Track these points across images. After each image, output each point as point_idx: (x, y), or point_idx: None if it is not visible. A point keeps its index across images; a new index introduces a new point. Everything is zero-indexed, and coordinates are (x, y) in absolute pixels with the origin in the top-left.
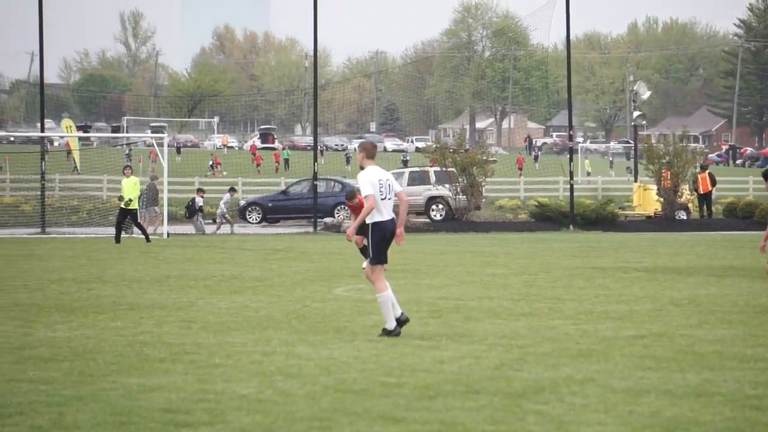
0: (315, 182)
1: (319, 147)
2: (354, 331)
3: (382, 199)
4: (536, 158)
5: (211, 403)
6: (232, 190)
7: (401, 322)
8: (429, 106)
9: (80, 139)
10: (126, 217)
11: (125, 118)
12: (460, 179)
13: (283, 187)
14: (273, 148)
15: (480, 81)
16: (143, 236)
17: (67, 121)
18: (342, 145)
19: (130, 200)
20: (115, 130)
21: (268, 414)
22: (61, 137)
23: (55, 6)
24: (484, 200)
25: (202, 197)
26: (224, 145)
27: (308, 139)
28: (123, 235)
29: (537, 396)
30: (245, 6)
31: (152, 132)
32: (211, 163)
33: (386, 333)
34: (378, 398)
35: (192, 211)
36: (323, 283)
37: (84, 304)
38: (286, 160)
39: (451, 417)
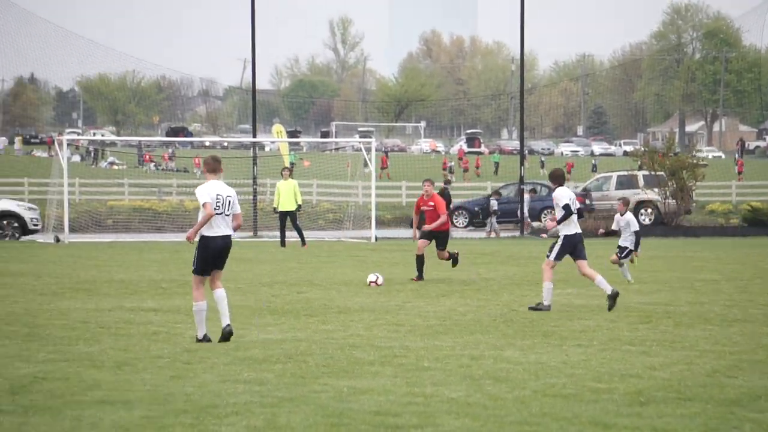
0: (522, 186)
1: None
2: (562, 336)
3: (218, 214)
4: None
5: (420, 406)
6: (497, 194)
7: (225, 333)
8: (637, 109)
9: (290, 144)
10: (286, 220)
11: (334, 123)
12: (669, 183)
13: (489, 192)
14: (479, 152)
15: (689, 84)
16: (299, 239)
17: (277, 127)
18: (548, 149)
19: (299, 206)
20: (325, 135)
21: (477, 417)
22: (272, 142)
23: (266, 15)
24: (694, 204)
25: (497, 200)
26: (432, 150)
27: (515, 143)
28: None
29: (752, 404)
30: (452, 11)
31: (360, 137)
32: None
33: (198, 340)
34: (587, 403)
35: (486, 213)
36: (530, 288)
37: (295, 306)
38: (496, 164)
39: (662, 424)
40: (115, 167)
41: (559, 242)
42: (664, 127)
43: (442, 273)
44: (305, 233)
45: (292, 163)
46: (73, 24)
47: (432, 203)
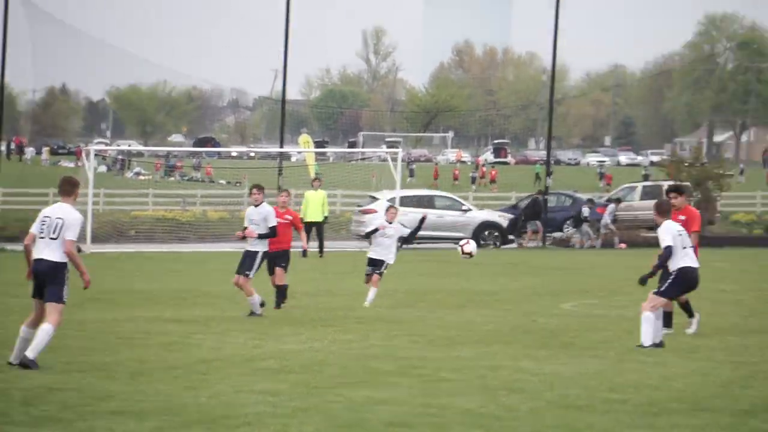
0: (545, 197)
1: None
2: (581, 347)
3: (41, 237)
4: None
5: (435, 417)
6: (617, 201)
7: (23, 362)
8: (666, 120)
9: (317, 154)
10: (312, 230)
11: (361, 133)
12: (694, 193)
13: (513, 202)
14: (505, 162)
15: (720, 94)
16: (318, 250)
17: (304, 137)
18: (575, 159)
19: (326, 218)
20: (352, 145)
21: (489, 428)
22: (299, 152)
23: (298, 24)
24: (718, 215)
25: (590, 208)
26: (458, 160)
27: (541, 153)
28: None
29: (765, 414)
30: (486, 21)
31: (387, 147)
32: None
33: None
34: (601, 414)
35: (578, 221)
36: (551, 298)
37: (314, 316)
38: (537, 174)
39: None
40: (141, 177)
41: (672, 276)
42: (693, 138)
43: (460, 283)
44: (328, 243)
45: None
46: (105, 33)
47: (289, 216)
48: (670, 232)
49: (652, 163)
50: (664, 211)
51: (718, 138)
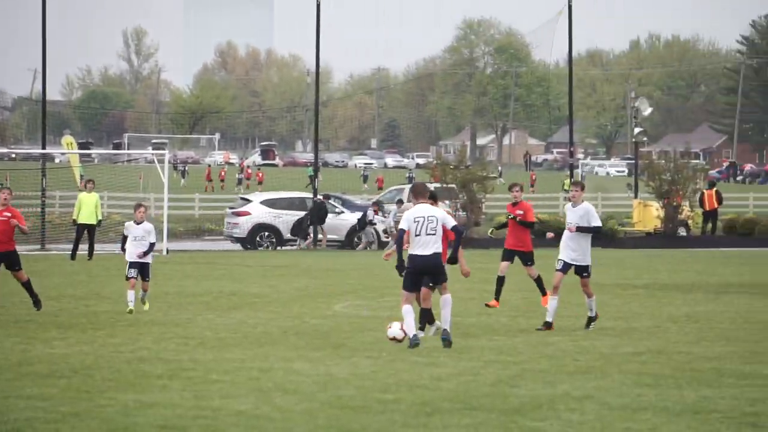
0: (315, 199)
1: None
2: (353, 348)
3: None
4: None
5: (208, 420)
6: (400, 202)
7: None
8: (430, 123)
9: (81, 156)
10: (83, 234)
11: (126, 134)
12: (460, 195)
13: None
14: (274, 164)
15: (481, 97)
16: (88, 253)
17: (68, 138)
18: (342, 161)
19: (100, 221)
20: (117, 146)
21: (264, 430)
22: (62, 154)
23: (57, 23)
24: (483, 216)
25: (376, 212)
26: (226, 162)
27: (308, 156)
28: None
29: (534, 413)
30: (248, 23)
31: (153, 149)
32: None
33: None
34: (375, 415)
35: (362, 224)
36: (323, 300)
37: (82, 320)
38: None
39: None
40: None
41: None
42: (456, 140)
43: (234, 286)
44: (96, 245)
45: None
46: None
47: (8, 213)
48: (407, 217)
49: (418, 166)
50: (417, 193)
51: (481, 141)
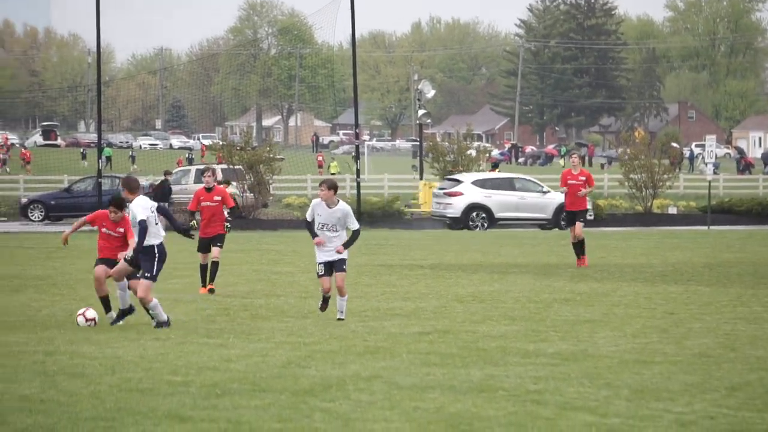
0: (100, 180)
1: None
2: (140, 330)
3: None
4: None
5: None
6: (227, 183)
7: None
8: (215, 104)
9: None
10: None
11: None
12: (247, 177)
13: (66, 185)
14: (56, 145)
15: (266, 79)
16: None
17: None
18: (127, 142)
19: None
20: None
21: (51, 414)
22: None
23: None
24: (271, 198)
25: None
26: (6, 143)
27: (92, 136)
28: None
29: (324, 393)
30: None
31: None
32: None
33: None
34: (164, 397)
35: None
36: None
37: None
38: (108, 158)
39: (237, 415)
40: None
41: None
42: (242, 121)
43: (14, 269)
44: None
45: None
46: None
47: None
48: (143, 207)
49: (207, 147)
50: (133, 188)
51: (267, 122)
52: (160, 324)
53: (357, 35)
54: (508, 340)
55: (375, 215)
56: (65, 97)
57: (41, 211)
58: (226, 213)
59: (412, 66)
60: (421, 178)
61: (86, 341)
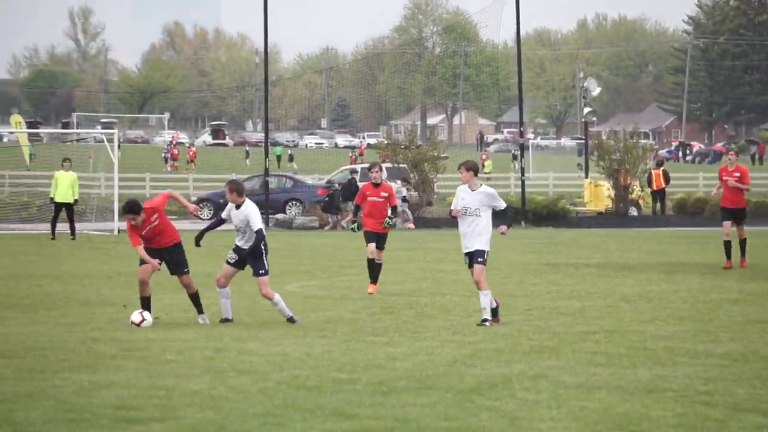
0: (266, 178)
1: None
2: (306, 328)
3: None
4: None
5: (163, 399)
6: (405, 180)
7: None
8: (380, 102)
9: (30, 135)
10: (60, 212)
11: (75, 113)
12: (411, 175)
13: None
14: (224, 144)
15: (431, 77)
16: (70, 232)
17: (16, 117)
18: (293, 141)
19: (77, 200)
20: (65, 125)
21: (220, 410)
22: (10, 133)
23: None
24: (435, 196)
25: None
26: (175, 141)
27: (259, 135)
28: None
29: (489, 392)
30: (195, 2)
31: (102, 128)
32: (166, 155)
33: None
34: (330, 394)
35: (329, 205)
36: (275, 279)
37: (35, 300)
38: (278, 157)
39: (404, 413)
40: None
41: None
42: (406, 120)
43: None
44: (46, 225)
45: (31, 154)
46: None
47: None
48: (258, 214)
49: (369, 146)
50: (241, 191)
51: (431, 121)
52: (291, 319)
53: (522, 33)
54: (677, 341)
55: (540, 214)
56: (233, 96)
57: (210, 210)
58: (389, 211)
59: (577, 63)
60: (586, 177)
61: (253, 338)
